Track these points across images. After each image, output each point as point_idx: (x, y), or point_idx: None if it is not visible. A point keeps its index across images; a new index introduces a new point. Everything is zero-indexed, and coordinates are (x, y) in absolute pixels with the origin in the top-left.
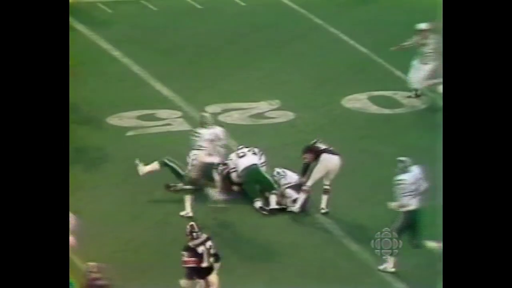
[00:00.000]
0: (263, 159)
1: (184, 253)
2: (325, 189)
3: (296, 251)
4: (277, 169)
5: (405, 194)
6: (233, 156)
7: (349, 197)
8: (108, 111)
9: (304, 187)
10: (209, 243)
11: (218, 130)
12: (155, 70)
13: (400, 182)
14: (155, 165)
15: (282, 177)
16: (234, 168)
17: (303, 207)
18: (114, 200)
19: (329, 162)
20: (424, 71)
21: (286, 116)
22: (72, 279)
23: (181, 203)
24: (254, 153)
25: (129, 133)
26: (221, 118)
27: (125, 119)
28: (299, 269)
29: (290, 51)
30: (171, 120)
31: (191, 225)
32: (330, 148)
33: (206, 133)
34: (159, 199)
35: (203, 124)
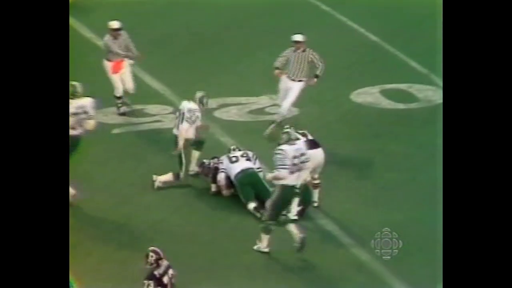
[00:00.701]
0: (257, 164)
1: (150, 282)
2: (315, 184)
3: (299, 260)
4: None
5: (282, 166)
6: (224, 159)
7: (359, 202)
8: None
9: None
10: (171, 272)
11: (85, 102)
12: (144, 61)
13: (279, 152)
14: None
15: None
16: (224, 169)
17: (301, 212)
18: (98, 206)
19: (315, 158)
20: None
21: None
22: (72, 279)
23: (175, 209)
24: (248, 159)
25: (115, 131)
26: (217, 114)
27: (110, 115)
28: (303, 281)
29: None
30: (162, 116)
31: (156, 252)
32: (310, 139)
33: (72, 105)
34: (148, 205)
35: (72, 94)
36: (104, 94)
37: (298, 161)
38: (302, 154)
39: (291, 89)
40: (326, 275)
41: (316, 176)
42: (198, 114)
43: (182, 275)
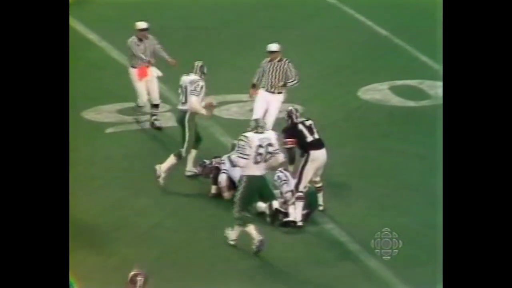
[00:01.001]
0: None
1: None
2: (318, 187)
3: (304, 269)
4: (279, 173)
5: (241, 155)
6: (226, 161)
7: (368, 205)
8: (84, 104)
9: (298, 194)
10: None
11: None
12: None
13: (242, 139)
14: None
15: (285, 183)
16: (226, 171)
17: (306, 217)
18: (91, 209)
19: (319, 159)
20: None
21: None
22: (72, 279)
23: (172, 212)
24: None
25: (109, 130)
26: (217, 112)
27: (104, 113)
28: None
29: (297, 34)
30: (158, 114)
31: (143, 274)
32: (316, 138)
33: None
34: (143, 208)
35: None
36: (98, 91)
37: (263, 151)
38: (270, 145)
39: (271, 102)
40: (332, 282)
41: (317, 179)
42: (202, 83)
43: (179, 283)
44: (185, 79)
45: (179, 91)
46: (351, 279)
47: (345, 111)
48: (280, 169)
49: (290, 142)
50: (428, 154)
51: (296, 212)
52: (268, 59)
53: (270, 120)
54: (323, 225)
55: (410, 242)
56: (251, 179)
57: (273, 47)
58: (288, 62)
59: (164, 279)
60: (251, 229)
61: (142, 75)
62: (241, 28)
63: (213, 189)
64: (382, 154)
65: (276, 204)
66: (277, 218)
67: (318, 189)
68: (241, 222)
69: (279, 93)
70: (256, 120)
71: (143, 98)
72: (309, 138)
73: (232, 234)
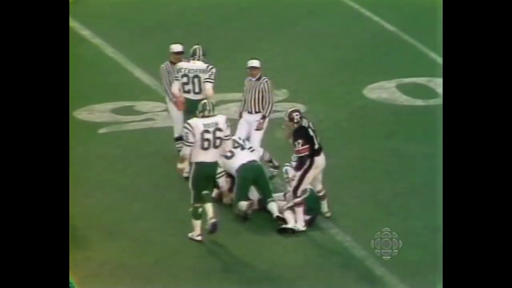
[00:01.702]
0: (248, 144)
1: None
2: (321, 196)
3: (306, 275)
4: (288, 167)
5: (186, 142)
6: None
7: (374, 209)
8: (76, 103)
9: (297, 200)
10: None
11: None
12: (134, 52)
13: (185, 126)
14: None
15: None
16: (222, 172)
17: (310, 222)
18: (84, 213)
19: (320, 164)
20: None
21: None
22: (72, 279)
23: (168, 216)
24: (242, 148)
25: (102, 130)
26: (215, 111)
27: (96, 113)
28: None
29: (300, 30)
30: (154, 114)
31: None
32: (320, 144)
33: None
34: (139, 211)
35: None
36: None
37: (211, 136)
38: (218, 129)
39: (254, 123)
40: None
41: (320, 187)
42: (215, 69)
43: None
44: (191, 66)
45: (185, 80)
46: (354, 284)
47: (350, 110)
48: (292, 159)
49: (307, 149)
50: (436, 154)
51: (297, 218)
52: (248, 77)
53: (255, 144)
54: (327, 230)
55: (413, 243)
56: (200, 166)
57: (253, 63)
58: (266, 81)
59: (161, 284)
60: (197, 225)
61: (180, 106)
62: (242, 25)
63: (213, 193)
64: (388, 155)
65: (275, 210)
66: (278, 225)
67: (322, 197)
68: (193, 213)
69: (257, 112)
70: (203, 104)
71: (177, 128)
72: (316, 145)
73: (194, 232)
